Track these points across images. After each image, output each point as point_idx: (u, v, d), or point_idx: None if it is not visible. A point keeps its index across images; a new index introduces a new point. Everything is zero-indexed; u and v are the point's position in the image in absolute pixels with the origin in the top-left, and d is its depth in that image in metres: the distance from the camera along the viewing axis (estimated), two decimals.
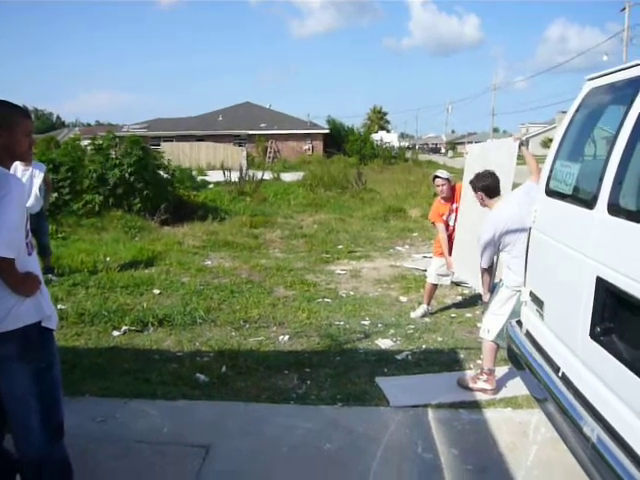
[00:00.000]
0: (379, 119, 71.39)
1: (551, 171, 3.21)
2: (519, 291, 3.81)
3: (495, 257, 4.18)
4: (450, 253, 5.75)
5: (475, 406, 3.88)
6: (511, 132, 74.83)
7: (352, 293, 6.97)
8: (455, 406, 3.85)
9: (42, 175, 6.90)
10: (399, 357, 4.82)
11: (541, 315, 3.09)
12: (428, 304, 6.07)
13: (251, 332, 5.42)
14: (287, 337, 5.28)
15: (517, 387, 3.78)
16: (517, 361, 3.31)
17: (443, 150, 78.94)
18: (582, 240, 2.59)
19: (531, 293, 3.27)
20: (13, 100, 2.28)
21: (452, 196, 5.85)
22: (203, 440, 3.35)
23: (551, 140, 3.61)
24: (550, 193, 3.17)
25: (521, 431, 3.51)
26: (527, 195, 3.92)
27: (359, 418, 3.70)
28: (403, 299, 6.70)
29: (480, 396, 4.01)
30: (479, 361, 4.34)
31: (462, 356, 4.82)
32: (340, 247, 10.00)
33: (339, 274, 8.00)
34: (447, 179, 5.87)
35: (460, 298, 6.73)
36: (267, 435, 3.46)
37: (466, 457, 3.23)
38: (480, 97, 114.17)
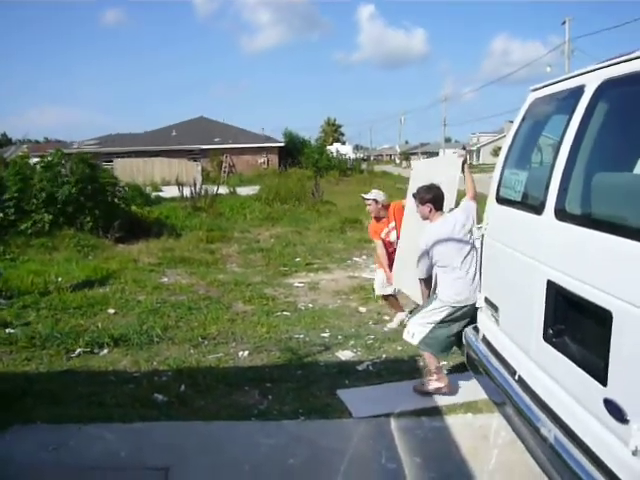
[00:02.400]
0: (333, 131, 72.24)
1: (500, 179, 3.29)
2: (453, 307, 3.87)
3: (434, 270, 4.21)
4: (391, 268, 5.76)
5: (436, 413, 3.91)
6: (462, 142, 76.76)
7: (311, 305, 6.96)
8: (417, 414, 3.87)
9: None
10: (360, 368, 4.82)
11: (496, 320, 3.15)
12: (402, 311, 6.01)
13: (210, 349, 5.33)
14: (247, 352, 5.22)
15: (476, 392, 3.82)
16: (475, 366, 3.36)
17: (397, 161, 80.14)
18: (532, 245, 2.66)
19: (486, 299, 3.34)
20: None
21: (386, 215, 5.83)
22: (162, 462, 3.26)
23: (501, 149, 3.69)
24: (500, 200, 3.25)
25: (482, 435, 3.55)
26: (463, 212, 4.06)
27: (322, 431, 3.68)
28: (362, 309, 6.72)
29: (441, 402, 4.04)
30: None
31: (422, 364, 4.83)
32: (298, 260, 9.98)
33: (297, 287, 7.98)
34: (374, 199, 5.86)
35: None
36: (229, 454, 3.39)
37: (429, 465, 3.24)
38: (432, 108, 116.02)
